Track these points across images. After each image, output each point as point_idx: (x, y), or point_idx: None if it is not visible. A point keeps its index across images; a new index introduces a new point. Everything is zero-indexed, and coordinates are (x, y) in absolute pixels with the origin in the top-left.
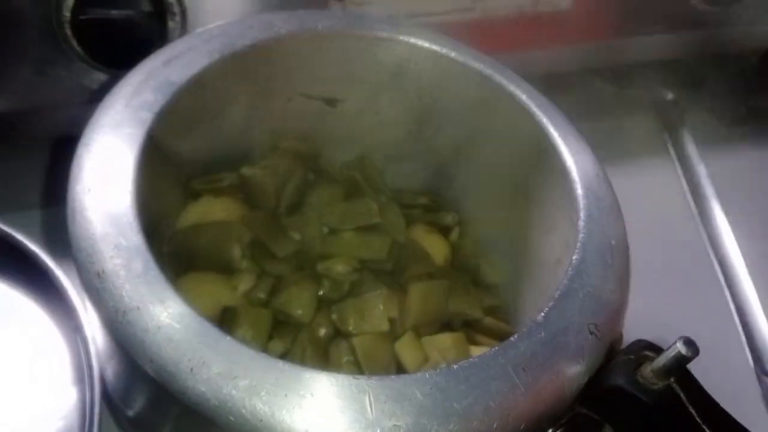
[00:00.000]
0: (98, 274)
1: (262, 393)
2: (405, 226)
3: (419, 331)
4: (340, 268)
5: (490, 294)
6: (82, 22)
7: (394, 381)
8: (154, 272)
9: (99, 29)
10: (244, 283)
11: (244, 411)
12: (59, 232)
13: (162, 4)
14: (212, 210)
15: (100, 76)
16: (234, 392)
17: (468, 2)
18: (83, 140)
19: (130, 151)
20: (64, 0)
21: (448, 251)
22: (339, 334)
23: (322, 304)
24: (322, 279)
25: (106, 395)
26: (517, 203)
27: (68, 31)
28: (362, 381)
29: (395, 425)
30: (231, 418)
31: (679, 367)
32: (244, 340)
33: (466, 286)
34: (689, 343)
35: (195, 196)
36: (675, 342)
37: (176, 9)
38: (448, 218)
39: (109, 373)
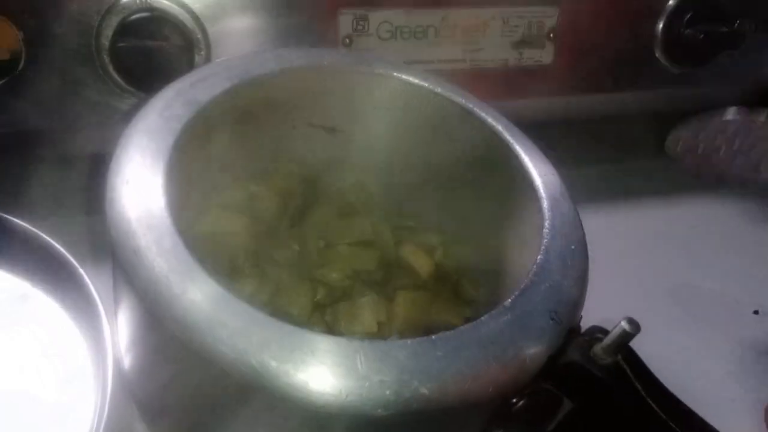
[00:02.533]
0: (134, 251)
1: (272, 348)
2: (393, 243)
3: (403, 337)
4: (334, 275)
5: (470, 306)
6: (119, 49)
7: (381, 345)
8: (180, 248)
9: (134, 57)
10: (248, 286)
11: (255, 363)
12: (88, 236)
13: (191, 39)
14: (221, 222)
15: (132, 100)
16: (248, 347)
17: (459, 54)
18: (122, 142)
19: (162, 153)
20: (103, 29)
21: (432, 267)
22: (331, 334)
23: (317, 307)
24: (318, 285)
25: (123, 380)
26: (495, 225)
27: (106, 58)
28: (355, 343)
29: (381, 380)
30: (244, 369)
31: (624, 343)
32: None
33: (447, 298)
34: (631, 321)
35: (205, 208)
36: (620, 321)
37: (202, 44)
38: (434, 239)
39: (126, 365)
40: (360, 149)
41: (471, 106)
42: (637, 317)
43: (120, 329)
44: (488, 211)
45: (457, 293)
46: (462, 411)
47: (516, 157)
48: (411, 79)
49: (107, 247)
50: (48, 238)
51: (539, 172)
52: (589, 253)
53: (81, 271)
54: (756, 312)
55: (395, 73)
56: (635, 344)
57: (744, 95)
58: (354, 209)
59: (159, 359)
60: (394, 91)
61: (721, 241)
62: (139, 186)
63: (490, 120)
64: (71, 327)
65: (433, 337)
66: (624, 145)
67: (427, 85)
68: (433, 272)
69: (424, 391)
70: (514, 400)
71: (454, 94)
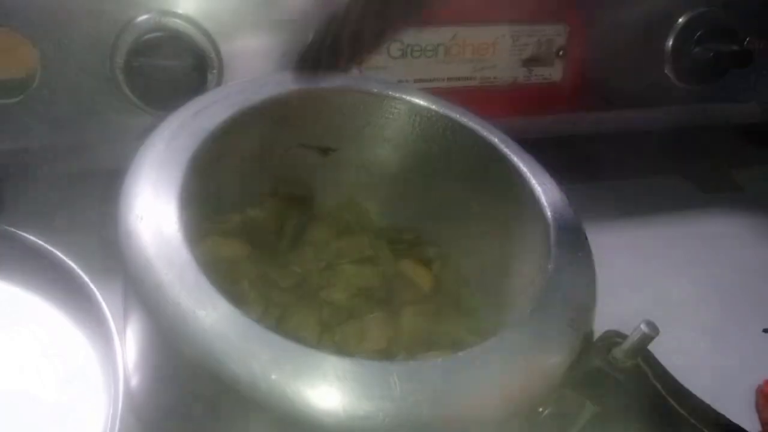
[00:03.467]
0: (156, 287)
1: (305, 377)
2: (393, 259)
3: (411, 351)
4: (338, 295)
5: (472, 317)
6: (134, 68)
7: (413, 365)
8: (204, 282)
9: (148, 76)
10: (254, 313)
11: (289, 393)
12: (100, 252)
13: (203, 58)
14: (220, 249)
15: (145, 117)
16: (281, 378)
17: (469, 72)
18: (131, 175)
19: (173, 185)
20: (118, 48)
21: (432, 280)
22: (342, 353)
23: (325, 328)
24: (323, 306)
25: (130, 404)
26: (494, 236)
27: (120, 76)
28: (386, 365)
29: (416, 401)
30: (277, 398)
31: (644, 345)
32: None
33: (450, 310)
34: (650, 324)
35: (202, 235)
36: (639, 324)
37: (215, 63)
38: (431, 252)
39: (134, 382)
40: (354, 167)
41: (466, 120)
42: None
43: (130, 350)
44: (487, 222)
45: (458, 304)
46: (493, 425)
47: (515, 169)
48: (406, 97)
49: (119, 265)
50: (60, 254)
51: (539, 182)
52: (597, 269)
53: (92, 287)
54: (766, 330)
55: (390, 93)
56: None
57: (753, 113)
58: (350, 228)
59: (181, 391)
60: (390, 110)
61: (731, 257)
62: (154, 220)
63: (485, 134)
64: (82, 341)
65: (461, 354)
66: (634, 163)
67: (422, 102)
68: (433, 285)
69: (457, 408)
70: (541, 409)
71: (450, 111)
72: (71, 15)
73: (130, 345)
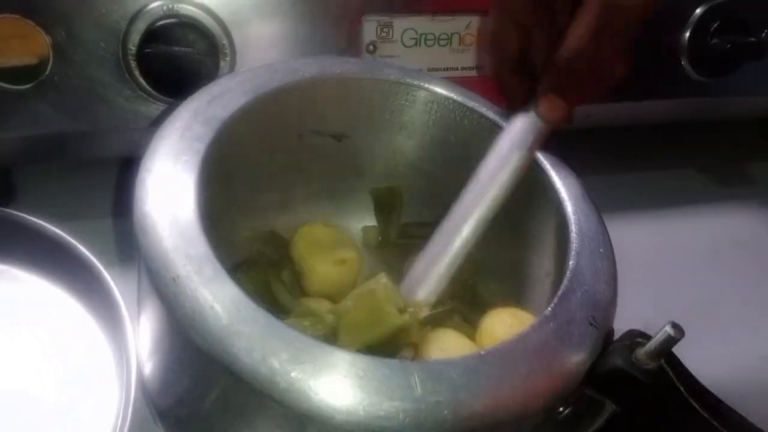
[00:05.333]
0: (173, 280)
1: (324, 375)
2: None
3: None
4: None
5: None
6: (146, 55)
7: (434, 365)
8: (223, 276)
9: (160, 62)
10: None
11: (309, 392)
12: (112, 238)
13: (216, 45)
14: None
15: (158, 104)
16: (300, 375)
17: (482, 60)
18: (145, 167)
19: (190, 175)
20: (130, 35)
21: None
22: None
23: None
24: None
25: (143, 389)
26: (511, 228)
27: (132, 63)
28: (407, 364)
29: (437, 401)
30: (295, 397)
31: (668, 347)
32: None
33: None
34: (675, 326)
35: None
36: (664, 326)
37: (227, 50)
38: None
39: (148, 369)
40: (369, 156)
41: (485, 110)
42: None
43: (143, 338)
44: (505, 214)
45: (475, 296)
46: (514, 424)
47: (534, 160)
48: (425, 84)
49: (133, 251)
50: (73, 241)
51: (559, 174)
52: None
53: (106, 274)
54: None
55: (407, 80)
56: None
57: None
58: None
59: (196, 384)
60: (406, 97)
61: (747, 251)
62: (170, 212)
63: (503, 123)
64: (94, 328)
65: (482, 352)
66: (647, 156)
67: (440, 90)
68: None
69: (478, 408)
70: (561, 409)
71: (469, 99)
72: (83, 2)
73: (143, 333)
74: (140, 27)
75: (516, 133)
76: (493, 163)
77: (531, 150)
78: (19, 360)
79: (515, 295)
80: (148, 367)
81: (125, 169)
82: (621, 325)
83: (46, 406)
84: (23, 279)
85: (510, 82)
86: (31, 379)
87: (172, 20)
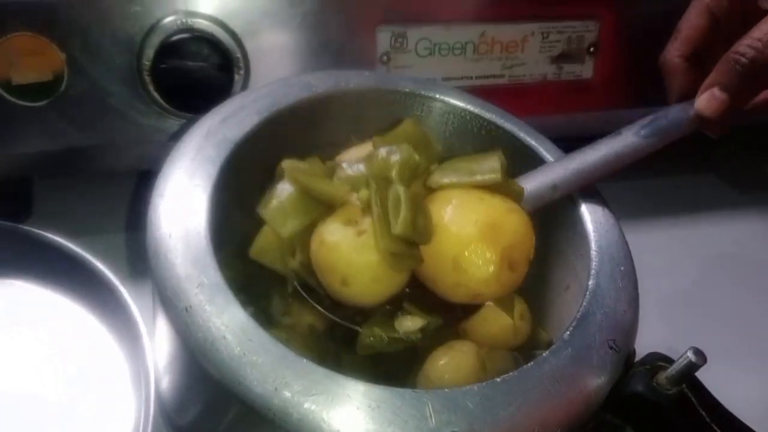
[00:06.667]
0: (185, 309)
1: (337, 406)
2: None
3: None
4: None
5: None
6: (160, 70)
7: (448, 393)
8: (235, 306)
9: (174, 77)
10: None
11: (322, 424)
12: (127, 252)
13: (230, 58)
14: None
15: (172, 119)
16: (313, 406)
17: (498, 70)
18: (157, 191)
19: (202, 200)
20: (144, 50)
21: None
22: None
23: None
24: None
25: (160, 404)
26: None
27: (147, 78)
28: (422, 393)
29: (453, 431)
30: (311, 429)
31: (690, 373)
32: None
33: None
34: (698, 352)
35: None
36: (686, 351)
37: (241, 63)
38: None
39: (164, 385)
40: None
41: (502, 121)
42: (682, 339)
43: (159, 354)
44: None
45: None
46: None
47: None
48: (440, 96)
49: (147, 264)
50: (87, 255)
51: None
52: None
53: (123, 290)
54: None
55: (419, 91)
56: None
57: None
58: None
59: (209, 407)
60: (421, 109)
61: (765, 258)
62: (183, 239)
63: (522, 135)
64: (110, 342)
65: (498, 379)
66: (666, 161)
67: (455, 101)
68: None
69: None
70: None
71: (485, 110)
72: (98, 18)
73: (159, 349)
74: (154, 42)
75: (663, 120)
76: (629, 137)
77: (667, 139)
78: (36, 373)
79: (534, 309)
80: (165, 382)
81: (140, 183)
82: (639, 339)
83: (65, 417)
84: (40, 294)
85: (679, 68)
86: (47, 389)
87: (186, 35)
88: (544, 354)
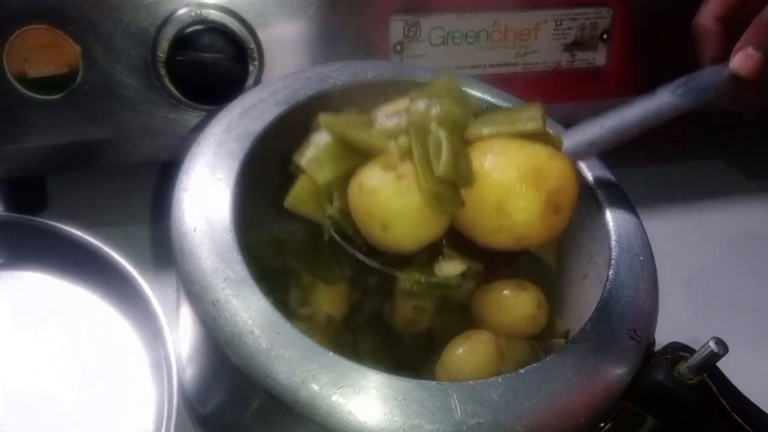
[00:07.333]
0: (213, 304)
1: (362, 396)
2: None
3: None
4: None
5: None
6: (175, 62)
7: (473, 385)
8: (261, 300)
9: (189, 69)
10: None
11: (349, 416)
12: (145, 244)
13: (244, 49)
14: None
15: (187, 111)
16: (340, 399)
17: (511, 58)
18: (180, 185)
19: (225, 194)
20: (159, 42)
21: None
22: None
23: None
24: None
25: (182, 395)
26: None
27: (162, 70)
28: (446, 385)
29: (478, 423)
30: (335, 421)
31: (711, 363)
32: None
33: None
34: (719, 342)
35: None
36: (707, 342)
37: (255, 54)
38: None
39: (188, 376)
40: None
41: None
42: (699, 326)
43: (182, 346)
44: None
45: None
46: None
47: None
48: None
49: (172, 259)
50: (108, 249)
51: (596, 177)
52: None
53: (142, 282)
54: None
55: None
56: None
57: None
58: None
59: (235, 398)
60: None
61: None
62: (208, 234)
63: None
64: (131, 334)
65: (522, 371)
66: (677, 147)
67: (472, 91)
68: None
69: (520, 429)
70: (602, 424)
71: (500, 99)
72: (112, 11)
73: (182, 341)
74: (169, 34)
75: (699, 80)
76: (665, 96)
77: (702, 99)
78: (55, 364)
79: (550, 298)
80: (188, 373)
81: (155, 175)
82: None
83: (86, 409)
84: (59, 286)
85: (712, 31)
86: (67, 381)
87: (200, 26)
88: (565, 344)
